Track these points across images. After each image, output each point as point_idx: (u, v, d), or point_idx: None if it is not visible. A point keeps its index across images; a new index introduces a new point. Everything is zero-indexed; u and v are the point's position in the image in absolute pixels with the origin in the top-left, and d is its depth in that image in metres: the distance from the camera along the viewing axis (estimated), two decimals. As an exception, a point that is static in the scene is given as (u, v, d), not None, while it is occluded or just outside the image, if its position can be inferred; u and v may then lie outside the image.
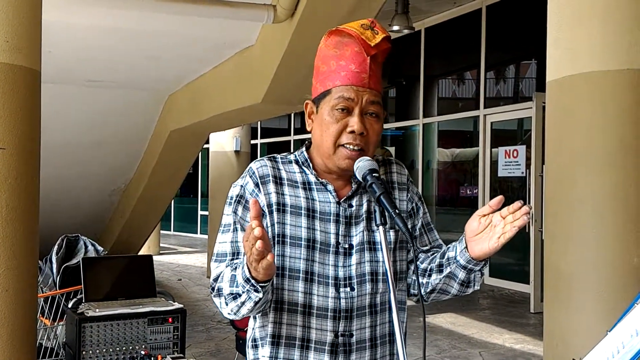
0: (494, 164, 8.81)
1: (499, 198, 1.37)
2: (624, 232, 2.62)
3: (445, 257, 1.51)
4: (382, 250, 1.38)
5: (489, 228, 1.39)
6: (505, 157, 8.46)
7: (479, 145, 9.11)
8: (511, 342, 5.83)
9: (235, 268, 1.41)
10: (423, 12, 9.35)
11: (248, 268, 1.32)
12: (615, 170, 2.64)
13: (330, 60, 1.47)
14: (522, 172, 8.13)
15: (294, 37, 4.34)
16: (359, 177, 1.44)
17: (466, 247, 1.44)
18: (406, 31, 7.97)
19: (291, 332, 1.47)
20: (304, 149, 1.57)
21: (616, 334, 1.26)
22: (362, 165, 1.43)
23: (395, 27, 7.76)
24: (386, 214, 1.38)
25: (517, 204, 1.36)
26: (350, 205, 1.51)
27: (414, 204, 1.60)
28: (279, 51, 4.55)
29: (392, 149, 11.73)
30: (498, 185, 9.01)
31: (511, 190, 8.98)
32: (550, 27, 2.88)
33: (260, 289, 1.34)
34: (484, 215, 1.39)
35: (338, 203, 1.50)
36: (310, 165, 1.53)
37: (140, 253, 8.40)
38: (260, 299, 1.36)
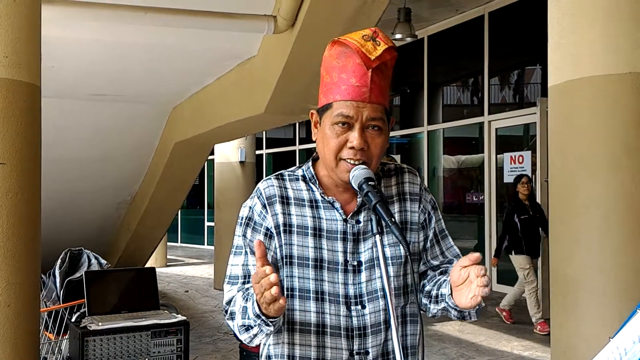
0: (499, 170, 8.78)
1: (476, 255, 1.34)
2: (629, 236, 2.60)
3: (440, 290, 1.49)
4: (379, 260, 1.36)
5: (467, 281, 1.37)
6: (511, 163, 8.43)
7: (484, 152, 9.08)
8: (520, 350, 5.78)
9: (246, 299, 1.42)
10: (425, 20, 9.35)
11: (259, 305, 1.33)
12: (620, 173, 2.62)
13: (333, 72, 1.45)
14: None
15: (295, 47, 4.34)
16: (355, 186, 1.42)
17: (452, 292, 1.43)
18: (409, 39, 7.99)
19: (305, 353, 1.47)
20: (310, 163, 1.56)
21: (618, 340, 1.24)
22: (357, 174, 1.41)
23: (398, 36, 7.78)
24: (383, 222, 1.36)
25: (480, 270, 1.33)
26: (358, 222, 1.49)
27: (426, 215, 1.57)
28: (280, 61, 4.56)
29: (397, 157, 11.71)
30: (504, 192, 8.97)
31: (517, 196, 8.94)
32: (551, 32, 2.87)
33: (271, 323, 1.37)
34: (464, 267, 1.37)
35: (345, 220, 1.49)
36: (317, 181, 1.52)
37: (147, 265, 8.41)
38: (271, 330, 1.40)
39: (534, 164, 7.81)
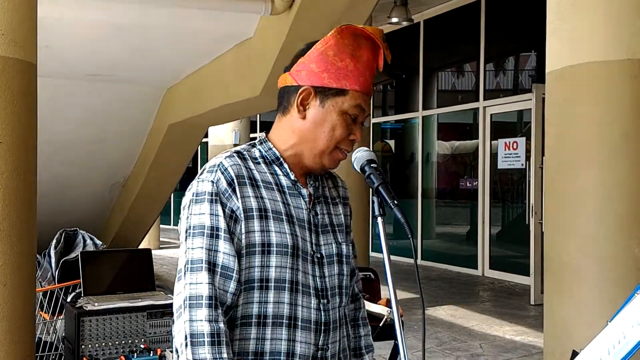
0: (493, 156, 8.80)
1: None
2: (624, 222, 2.61)
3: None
4: (381, 242, 1.36)
5: None
6: (505, 149, 8.44)
7: (478, 138, 9.09)
8: (511, 334, 5.83)
9: None
10: (422, 3, 9.31)
11: None
12: (616, 160, 2.63)
13: (347, 58, 1.39)
14: (522, 164, 8.12)
15: (292, 29, 4.31)
16: (357, 167, 1.42)
17: None
18: (405, 23, 7.95)
19: (275, 347, 1.37)
20: (270, 144, 1.45)
21: (616, 324, 1.25)
22: (360, 156, 1.41)
23: (394, 19, 7.74)
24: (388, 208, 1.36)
25: None
26: (316, 214, 1.46)
27: (349, 218, 1.58)
28: (277, 43, 4.52)
29: (391, 142, 11.72)
30: (498, 178, 9.00)
31: (511, 182, 8.98)
32: (549, 18, 2.86)
33: None
34: None
35: (308, 210, 1.45)
36: (285, 164, 1.43)
37: (140, 247, 8.39)
38: None
39: (528, 151, 7.83)
